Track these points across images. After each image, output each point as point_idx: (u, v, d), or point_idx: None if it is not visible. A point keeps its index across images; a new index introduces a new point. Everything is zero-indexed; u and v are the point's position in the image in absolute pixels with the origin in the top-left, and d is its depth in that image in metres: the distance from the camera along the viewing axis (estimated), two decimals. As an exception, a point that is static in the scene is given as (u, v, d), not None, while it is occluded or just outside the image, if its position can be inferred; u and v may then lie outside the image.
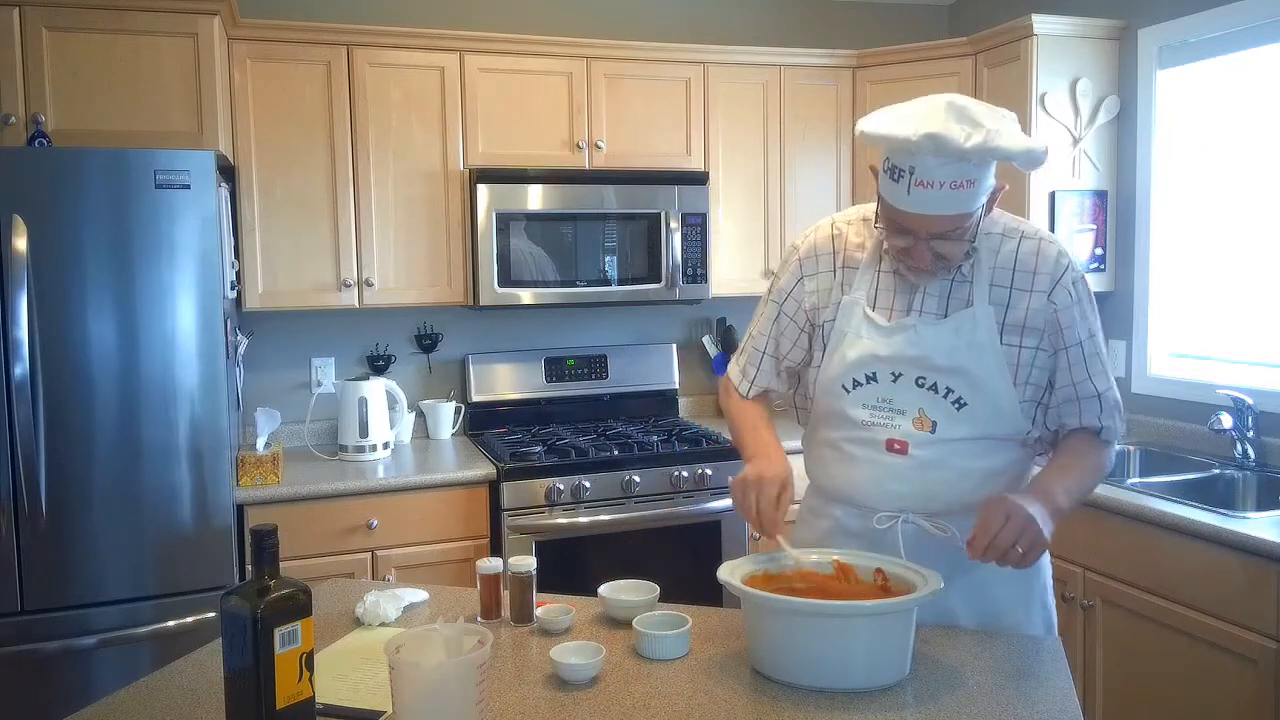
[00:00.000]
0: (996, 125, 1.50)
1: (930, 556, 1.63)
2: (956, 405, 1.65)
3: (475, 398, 3.64)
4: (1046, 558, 1.80)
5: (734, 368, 1.91)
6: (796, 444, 1.87)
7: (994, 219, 1.68)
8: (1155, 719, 2.54)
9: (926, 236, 1.58)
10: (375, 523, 2.98)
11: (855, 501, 1.73)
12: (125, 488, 2.62)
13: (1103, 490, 2.68)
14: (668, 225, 3.46)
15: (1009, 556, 1.50)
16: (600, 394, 3.78)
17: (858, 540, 1.71)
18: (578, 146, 3.44)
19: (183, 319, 2.65)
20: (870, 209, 1.77)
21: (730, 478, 1.70)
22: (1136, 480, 2.97)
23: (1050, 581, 1.82)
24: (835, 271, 1.76)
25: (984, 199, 1.58)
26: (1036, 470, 1.76)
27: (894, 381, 1.68)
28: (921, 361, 1.65)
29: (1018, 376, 1.66)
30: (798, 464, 1.87)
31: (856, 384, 1.70)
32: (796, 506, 1.82)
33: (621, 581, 1.76)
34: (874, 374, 1.69)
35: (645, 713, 1.38)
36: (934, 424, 1.66)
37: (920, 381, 1.66)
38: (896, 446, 1.67)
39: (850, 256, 1.75)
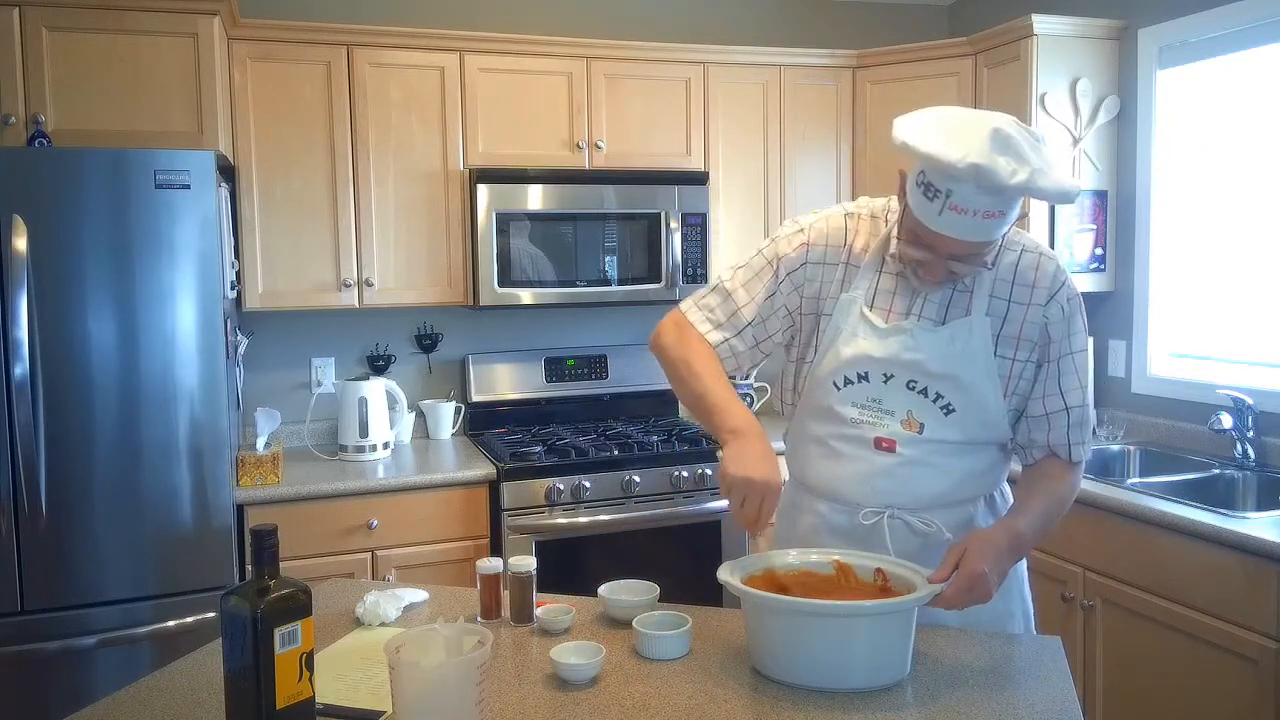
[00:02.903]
0: (1039, 163, 1.48)
1: (915, 552, 1.65)
2: (945, 410, 1.67)
3: (475, 398, 3.64)
4: None
5: (700, 312, 1.78)
6: (779, 445, 1.86)
7: None
8: (1155, 719, 2.54)
9: (947, 256, 1.58)
10: (375, 523, 2.98)
11: (842, 498, 1.73)
12: (125, 488, 2.62)
13: (1103, 490, 2.68)
14: (668, 225, 3.46)
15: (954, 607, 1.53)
16: (600, 394, 3.78)
17: (843, 536, 1.72)
18: (578, 146, 3.44)
19: (183, 319, 2.65)
20: (876, 206, 1.77)
21: (723, 465, 1.57)
22: (1136, 480, 2.97)
23: (1026, 574, 1.84)
24: (841, 266, 1.74)
25: (1009, 227, 1.58)
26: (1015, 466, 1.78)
27: (885, 383, 1.68)
28: (915, 366, 1.66)
29: (1007, 388, 1.68)
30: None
31: (848, 382, 1.71)
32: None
33: (621, 581, 1.76)
34: (866, 374, 1.69)
35: (645, 713, 1.38)
36: (921, 425, 1.67)
37: (911, 385, 1.67)
38: (884, 444, 1.68)
39: (856, 253, 1.74)
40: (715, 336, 1.76)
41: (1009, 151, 1.47)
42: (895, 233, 1.68)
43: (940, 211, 1.52)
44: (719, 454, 1.62)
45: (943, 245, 1.56)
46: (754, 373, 3.88)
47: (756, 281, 1.77)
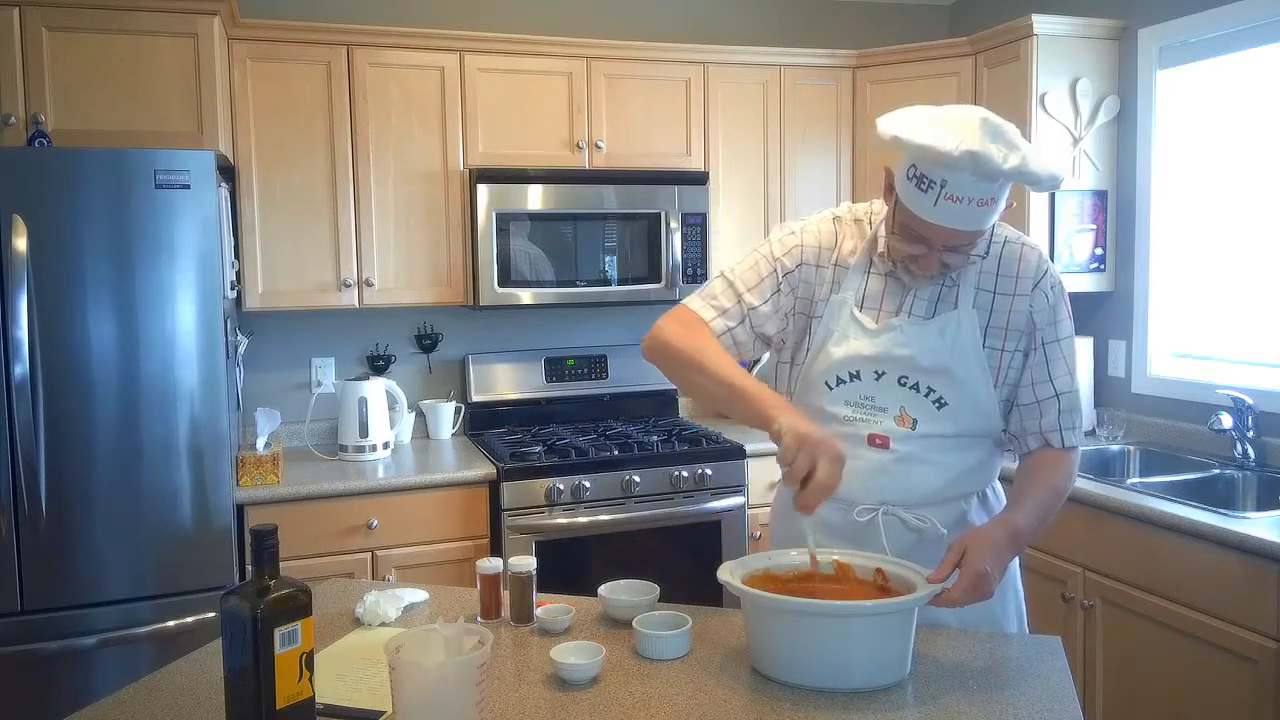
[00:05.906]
0: (1029, 149, 1.52)
1: (910, 548, 1.67)
2: (937, 404, 1.69)
3: (475, 398, 3.64)
4: None
5: (703, 301, 1.75)
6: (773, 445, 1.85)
7: None
8: (1155, 719, 2.54)
9: (940, 247, 1.60)
10: (375, 523, 2.98)
11: (837, 496, 1.73)
12: (125, 488, 2.62)
13: (1103, 490, 2.68)
14: (668, 225, 3.46)
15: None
16: (600, 394, 3.78)
17: (839, 535, 1.73)
18: (578, 146, 3.44)
19: (183, 319, 2.65)
20: (859, 210, 1.80)
21: (786, 430, 1.47)
22: (1136, 480, 2.97)
23: (1019, 572, 1.85)
24: (831, 268, 1.77)
25: (999, 215, 1.60)
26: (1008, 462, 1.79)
27: (877, 380, 1.70)
28: (906, 361, 1.68)
29: (997, 379, 1.70)
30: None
31: (840, 381, 1.72)
32: (768, 509, 1.81)
33: (621, 581, 1.76)
34: (857, 372, 1.71)
35: (645, 713, 1.38)
36: (914, 421, 1.69)
37: (903, 381, 1.69)
38: (878, 441, 1.69)
39: (844, 256, 1.77)
40: (719, 325, 1.73)
41: (1000, 139, 1.50)
42: (883, 231, 1.70)
43: (935, 202, 1.54)
44: (776, 428, 1.50)
45: (937, 237, 1.58)
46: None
47: (759, 276, 1.76)
